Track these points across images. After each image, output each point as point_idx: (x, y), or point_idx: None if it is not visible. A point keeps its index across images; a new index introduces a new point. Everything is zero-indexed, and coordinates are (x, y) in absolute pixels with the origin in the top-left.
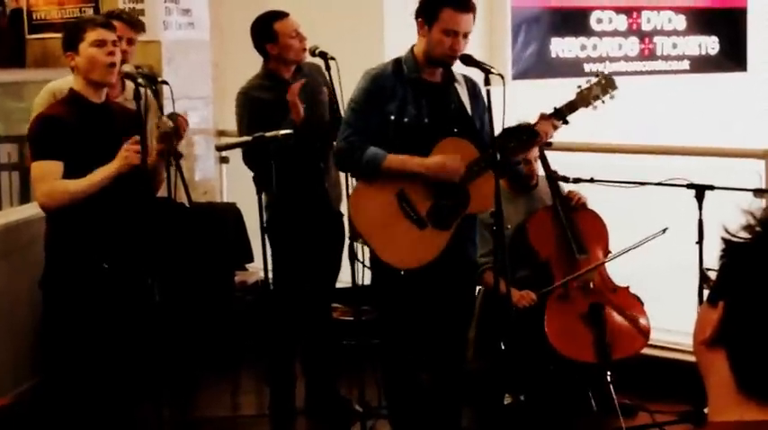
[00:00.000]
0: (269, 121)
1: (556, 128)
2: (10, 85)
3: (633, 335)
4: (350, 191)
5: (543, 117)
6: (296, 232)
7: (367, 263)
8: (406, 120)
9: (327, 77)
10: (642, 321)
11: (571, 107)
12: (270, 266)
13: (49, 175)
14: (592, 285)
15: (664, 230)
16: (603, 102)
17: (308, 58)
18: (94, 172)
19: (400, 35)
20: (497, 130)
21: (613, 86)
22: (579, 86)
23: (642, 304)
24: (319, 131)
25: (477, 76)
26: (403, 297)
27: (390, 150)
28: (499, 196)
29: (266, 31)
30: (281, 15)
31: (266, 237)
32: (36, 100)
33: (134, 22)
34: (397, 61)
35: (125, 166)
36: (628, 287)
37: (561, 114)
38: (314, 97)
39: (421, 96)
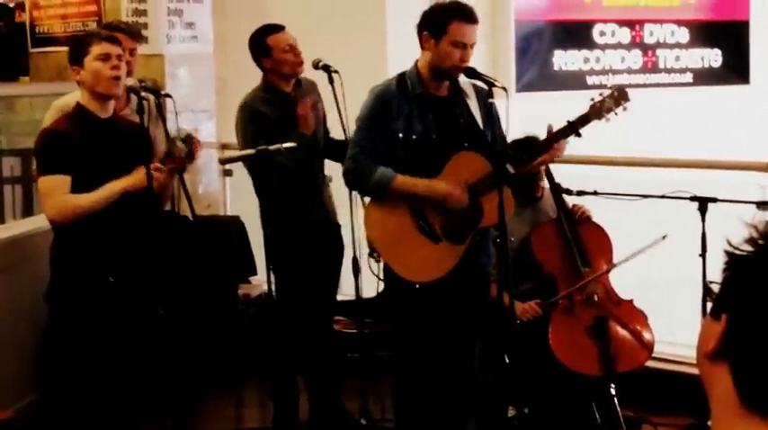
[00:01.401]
0: (271, 135)
1: (567, 138)
2: (13, 99)
3: (637, 349)
4: (353, 204)
5: (557, 130)
6: (296, 246)
7: (374, 274)
8: (414, 137)
9: (332, 91)
10: (646, 335)
11: (584, 120)
12: (272, 280)
13: (57, 190)
14: (596, 298)
15: (663, 237)
16: (617, 114)
17: (311, 72)
18: (104, 186)
19: (403, 48)
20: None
21: (626, 98)
22: (592, 99)
23: (646, 318)
24: (316, 146)
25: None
26: (417, 310)
27: (400, 168)
28: (503, 209)
29: (260, 45)
30: (276, 29)
31: (267, 250)
32: (46, 117)
33: (134, 32)
34: (402, 77)
35: (136, 186)
36: (632, 300)
37: (574, 127)
38: (311, 110)
39: (427, 112)
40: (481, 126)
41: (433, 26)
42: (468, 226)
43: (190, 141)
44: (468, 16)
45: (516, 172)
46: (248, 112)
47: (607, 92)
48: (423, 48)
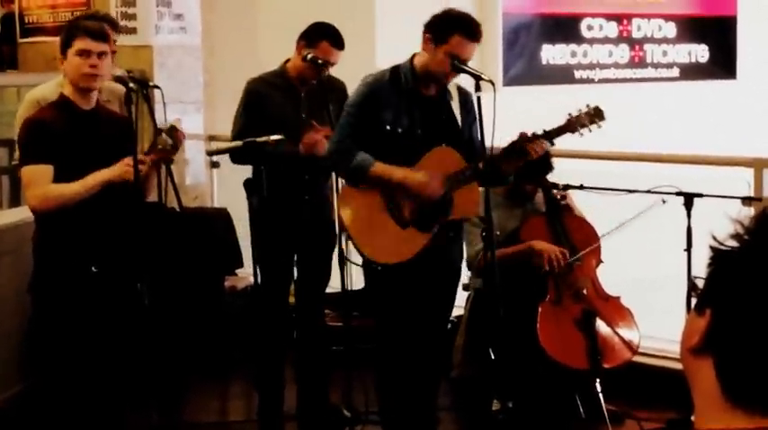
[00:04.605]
0: (265, 120)
1: (544, 148)
2: (1, 89)
3: (621, 347)
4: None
5: (528, 138)
6: (275, 238)
7: (350, 262)
8: (399, 130)
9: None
10: (632, 334)
11: (560, 131)
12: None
13: (39, 179)
14: (585, 292)
15: (664, 202)
16: (590, 131)
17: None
18: (87, 176)
19: (391, 41)
20: (488, 137)
21: (601, 117)
22: (570, 114)
23: (632, 316)
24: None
25: (467, 82)
26: (393, 300)
27: (382, 158)
28: (488, 202)
29: (315, 33)
30: (337, 44)
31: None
32: (19, 112)
33: (112, 22)
34: (396, 70)
35: (119, 178)
36: (619, 297)
37: (550, 137)
38: (317, 110)
39: (415, 108)
40: (460, 126)
41: (437, 31)
42: (437, 216)
43: (174, 133)
44: (473, 33)
45: (493, 173)
46: (248, 93)
47: (585, 108)
48: (423, 48)
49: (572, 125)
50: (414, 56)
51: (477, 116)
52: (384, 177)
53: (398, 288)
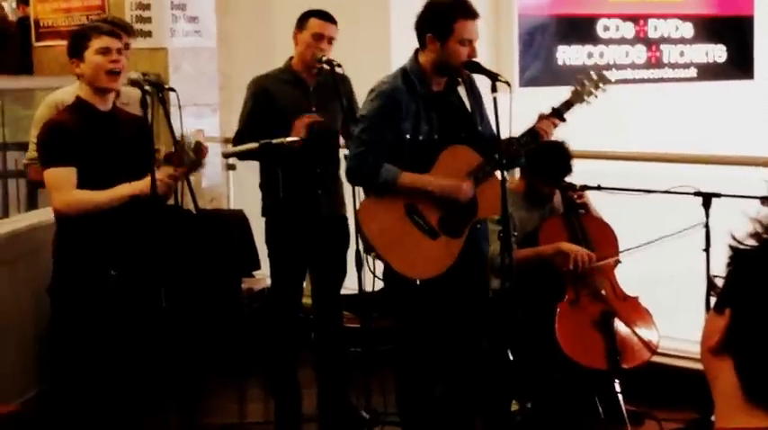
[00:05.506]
0: (272, 117)
1: (555, 126)
2: (17, 93)
3: (641, 346)
4: (354, 196)
5: (542, 117)
6: (288, 238)
7: (377, 273)
8: (420, 137)
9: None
10: (651, 334)
11: (567, 105)
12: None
13: (65, 183)
14: (603, 292)
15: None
16: (596, 97)
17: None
18: (116, 188)
19: (406, 41)
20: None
21: (605, 80)
22: (574, 86)
23: (651, 316)
24: (322, 138)
25: (484, 83)
26: (419, 306)
27: (401, 166)
28: (506, 201)
29: (302, 18)
30: (325, 17)
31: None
32: (37, 113)
33: (126, 26)
34: (405, 73)
35: (147, 192)
36: (637, 297)
37: (559, 113)
38: (329, 103)
39: (431, 110)
40: (470, 112)
41: (437, 27)
42: (465, 219)
43: (199, 150)
44: (471, 13)
45: (508, 162)
46: (255, 90)
47: (586, 77)
48: (425, 48)
49: (578, 95)
50: (416, 54)
51: (494, 112)
52: (415, 187)
53: (435, 296)
